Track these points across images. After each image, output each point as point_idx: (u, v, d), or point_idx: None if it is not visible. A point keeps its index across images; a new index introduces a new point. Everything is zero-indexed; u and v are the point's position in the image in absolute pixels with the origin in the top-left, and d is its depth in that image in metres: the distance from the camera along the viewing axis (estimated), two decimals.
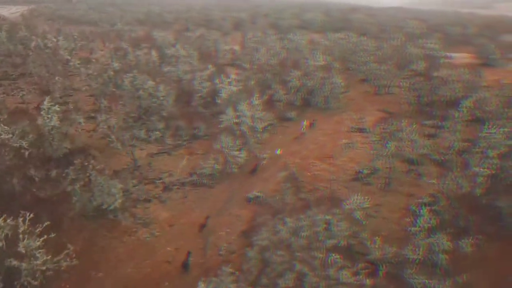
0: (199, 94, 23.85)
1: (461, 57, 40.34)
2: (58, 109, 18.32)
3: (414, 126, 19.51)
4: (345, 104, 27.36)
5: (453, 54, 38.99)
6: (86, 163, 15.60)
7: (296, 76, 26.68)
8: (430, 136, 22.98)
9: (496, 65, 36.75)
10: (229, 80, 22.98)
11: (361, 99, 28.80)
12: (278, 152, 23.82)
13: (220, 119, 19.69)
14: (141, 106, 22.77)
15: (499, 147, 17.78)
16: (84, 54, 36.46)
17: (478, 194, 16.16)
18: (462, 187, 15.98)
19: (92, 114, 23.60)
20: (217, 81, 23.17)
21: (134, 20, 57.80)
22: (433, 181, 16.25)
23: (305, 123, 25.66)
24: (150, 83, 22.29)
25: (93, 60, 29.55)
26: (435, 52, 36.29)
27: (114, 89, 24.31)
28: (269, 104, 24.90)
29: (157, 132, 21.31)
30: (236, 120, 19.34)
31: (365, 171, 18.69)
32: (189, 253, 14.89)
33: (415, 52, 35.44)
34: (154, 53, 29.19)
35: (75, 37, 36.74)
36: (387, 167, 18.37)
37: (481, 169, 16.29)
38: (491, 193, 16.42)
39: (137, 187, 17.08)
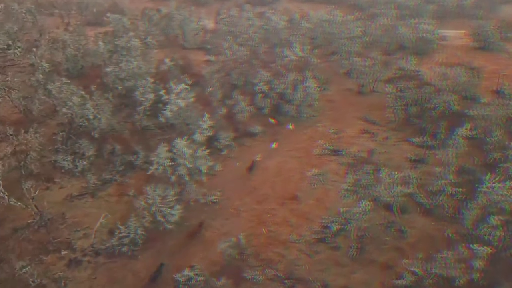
0: (142, 107, 18.95)
1: (456, 36, 34.91)
2: None
3: (396, 176, 14.87)
4: (322, 109, 22.53)
5: (448, 33, 33.62)
6: None
7: (265, 79, 21.73)
8: (417, 161, 18.48)
9: (494, 50, 31.48)
10: (177, 90, 18.03)
11: (341, 101, 23.93)
12: (274, 146, 19.60)
13: (152, 159, 14.92)
14: (73, 122, 18.00)
15: (502, 204, 13.41)
16: (34, 34, 30.86)
17: (475, 279, 11.99)
18: (456, 278, 11.72)
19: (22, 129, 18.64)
20: (163, 92, 18.22)
21: None
22: (417, 270, 11.90)
23: (273, 121, 21.22)
24: (75, 99, 17.32)
25: (34, 49, 24.24)
26: (429, 34, 30.87)
27: (44, 97, 19.35)
28: (229, 117, 20.11)
29: (85, 162, 16.65)
30: (171, 163, 14.63)
31: (334, 227, 14.30)
32: (162, 264, 13.37)
33: (407, 34, 30.07)
34: (102, 44, 23.96)
35: (24, 13, 30.94)
36: (361, 222, 14.01)
37: (480, 248, 11.97)
38: (490, 274, 12.26)
39: (26, 269, 12.60)
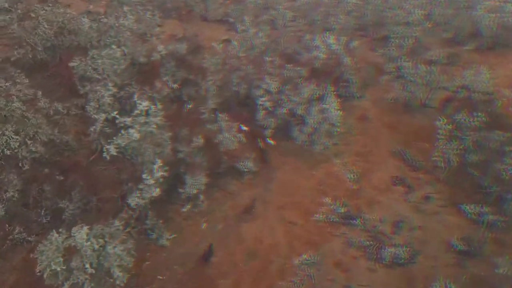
0: (96, 126, 13.16)
1: None
2: None
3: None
4: (348, 133, 15.48)
5: None
6: None
7: (272, 89, 14.97)
8: (466, 255, 11.46)
9: None
10: (137, 111, 11.97)
11: (377, 119, 16.54)
12: (272, 142, 14.75)
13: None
14: None
15: None
16: None
17: None
18: None
19: None
20: (115, 113, 12.23)
21: None
22: None
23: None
24: None
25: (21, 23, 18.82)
26: None
27: None
28: (213, 146, 13.88)
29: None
30: (64, 267, 8.84)
31: None
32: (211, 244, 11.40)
33: (486, 19, 20.95)
34: (86, 21, 17.93)
35: None
36: None
37: None
38: None
39: None
